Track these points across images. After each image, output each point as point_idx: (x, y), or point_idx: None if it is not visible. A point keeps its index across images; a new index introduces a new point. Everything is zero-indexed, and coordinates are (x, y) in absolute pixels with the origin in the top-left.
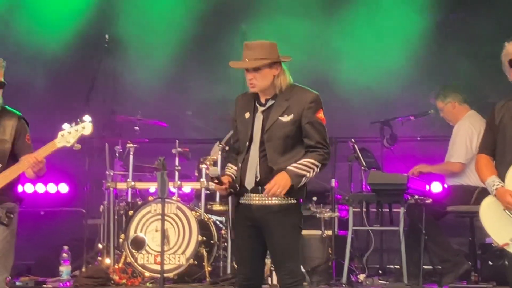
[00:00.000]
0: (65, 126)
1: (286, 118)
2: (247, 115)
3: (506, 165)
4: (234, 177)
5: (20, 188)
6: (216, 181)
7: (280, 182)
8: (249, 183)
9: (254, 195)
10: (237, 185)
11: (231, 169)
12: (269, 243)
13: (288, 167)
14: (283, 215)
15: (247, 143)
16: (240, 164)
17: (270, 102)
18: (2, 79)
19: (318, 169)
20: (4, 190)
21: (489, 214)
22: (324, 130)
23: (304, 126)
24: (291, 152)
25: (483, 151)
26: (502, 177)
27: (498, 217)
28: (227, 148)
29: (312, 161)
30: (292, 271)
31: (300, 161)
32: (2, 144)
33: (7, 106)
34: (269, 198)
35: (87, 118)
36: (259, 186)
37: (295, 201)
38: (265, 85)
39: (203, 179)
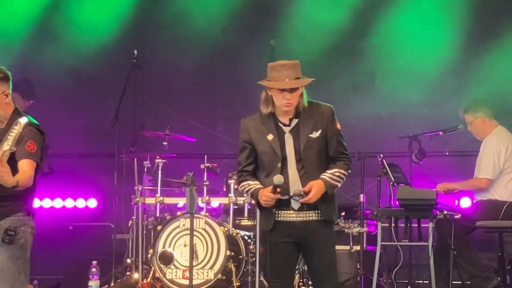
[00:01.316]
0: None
1: (315, 135)
2: (270, 136)
3: None
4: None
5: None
6: (273, 190)
7: (319, 193)
8: (295, 203)
9: (299, 212)
10: (287, 197)
11: (258, 184)
12: (313, 258)
13: (324, 177)
14: (326, 231)
15: (279, 164)
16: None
17: (295, 121)
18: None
19: (345, 178)
20: (10, 201)
21: None
22: (344, 139)
23: (330, 140)
24: (325, 165)
25: None
26: None
27: None
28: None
29: (343, 171)
30: (336, 284)
31: (332, 171)
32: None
33: (29, 117)
34: (313, 216)
35: (22, 120)
36: (304, 204)
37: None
38: (296, 104)
39: (231, 194)
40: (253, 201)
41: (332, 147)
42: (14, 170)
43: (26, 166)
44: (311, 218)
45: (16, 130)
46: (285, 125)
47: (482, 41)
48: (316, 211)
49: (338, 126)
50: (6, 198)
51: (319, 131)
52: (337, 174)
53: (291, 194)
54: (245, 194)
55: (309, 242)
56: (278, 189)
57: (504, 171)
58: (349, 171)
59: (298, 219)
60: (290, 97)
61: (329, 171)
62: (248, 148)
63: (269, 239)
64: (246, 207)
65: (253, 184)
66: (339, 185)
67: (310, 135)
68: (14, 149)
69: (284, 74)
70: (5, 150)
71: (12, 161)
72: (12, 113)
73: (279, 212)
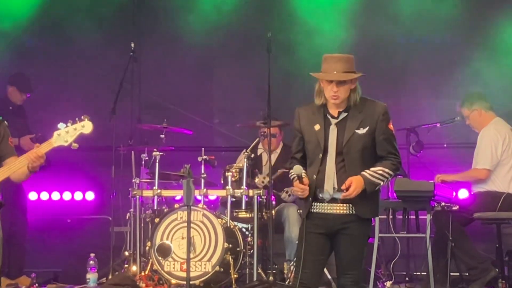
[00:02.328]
0: (61, 125)
1: (362, 131)
2: (317, 127)
3: None
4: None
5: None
6: (297, 180)
7: (358, 189)
8: (327, 194)
9: (333, 205)
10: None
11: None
12: (339, 250)
13: (364, 174)
14: (357, 226)
15: (321, 154)
16: (315, 176)
17: (343, 115)
18: None
19: (390, 178)
20: None
21: None
22: (395, 140)
23: (378, 138)
24: (368, 163)
25: None
26: None
27: None
28: (252, 156)
29: (387, 170)
30: (356, 279)
31: (375, 169)
32: None
33: None
34: (346, 210)
35: (85, 117)
36: (337, 197)
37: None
38: (345, 98)
39: (228, 187)
40: (250, 194)
41: (381, 146)
42: None
43: None
44: (344, 211)
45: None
46: (333, 117)
47: (481, 34)
48: (350, 205)
49: (391, 126)
50: None
51: (367, 128)
52: (380, 172)
53: (326, 188)
54: None
55: (339, 235)
56: (304, 177)
57: (502, 162)
58: (396, 171)
59: (332, 211)
60: (337, 89)
61: (372, 169)
62: (298, 136)
63: (303, 230)
64: (244, 199)
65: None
66: (382, 183)
67: (356, 131)
68: (65, 144)
69: (333, 66)
70: (55, 146)
71: None
72: None
73: (314, 203)
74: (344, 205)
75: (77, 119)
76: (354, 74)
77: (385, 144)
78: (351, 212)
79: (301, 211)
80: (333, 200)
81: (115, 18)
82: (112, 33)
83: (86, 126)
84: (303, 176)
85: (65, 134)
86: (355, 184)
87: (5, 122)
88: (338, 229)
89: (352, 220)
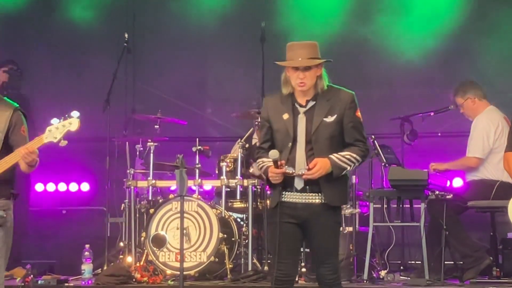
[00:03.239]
0: (54, 121)
1: (330, 119)
2: (285, 116)
3: None
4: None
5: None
6: (275, 165)
7: (323, 170)
8: (298, 183)
9: (302, 194)
10: (293, 171)
11: (271, 162)
12: (312, 240)
13: (331, 157)
14: (328, 214)
15: (290, 143)
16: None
17: (311, 103)
18: None
19: (358, 164)
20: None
21: None
22: (362, 127)
23: (345, 126)
24: (337, 151)
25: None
26: None
27: None
28: (247, 145)
29: (354, 155)
30: (334, 267)
31: (343, 153)
32: None
33: (5, 98)
34: (316, 199)
35: (75, 113)
36: (307, 186)
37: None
38: (311, 85)
39: (223, 177)
40: (245, 184)
41: (348, 133)
42: (7, 154)
43: None
44: (313, 200)
45: (66, 127)
46: (301, 106)
47: (473, 22)
48: (319, 194)
49: (358, 113)
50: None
51: (335, 116)
52: (347, 156)
53: (294, 182)
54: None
55: (310, 224)
56: (279, 163)
57: (495, 150)
58: (364, 158)
59: (301, 200)
60: (303, 76)
61: (339, 153)
62: (266, 125)
63: (273, 218)
64: (239, 189)
65: (267, 161)
66: (349, 168)
67: (324, 119)
68: (54, 141)
69: (298, 53)
70: (46, 142)
71: (6, 152)
72: None
73: (284, 192)
74: (313, 194)
75: (66, 115)
76: (319, 60)
77: (353, 132)
78: (320, 201)
79: None
80: (302, 190)
81: (110, 8)
82: (107, 23)
83: (73, 124)
84: (278, 161)
85: (55, 131)
86: (319, 165)
87: (20, 111)
88: (307, 219)
89: (321, 209)
